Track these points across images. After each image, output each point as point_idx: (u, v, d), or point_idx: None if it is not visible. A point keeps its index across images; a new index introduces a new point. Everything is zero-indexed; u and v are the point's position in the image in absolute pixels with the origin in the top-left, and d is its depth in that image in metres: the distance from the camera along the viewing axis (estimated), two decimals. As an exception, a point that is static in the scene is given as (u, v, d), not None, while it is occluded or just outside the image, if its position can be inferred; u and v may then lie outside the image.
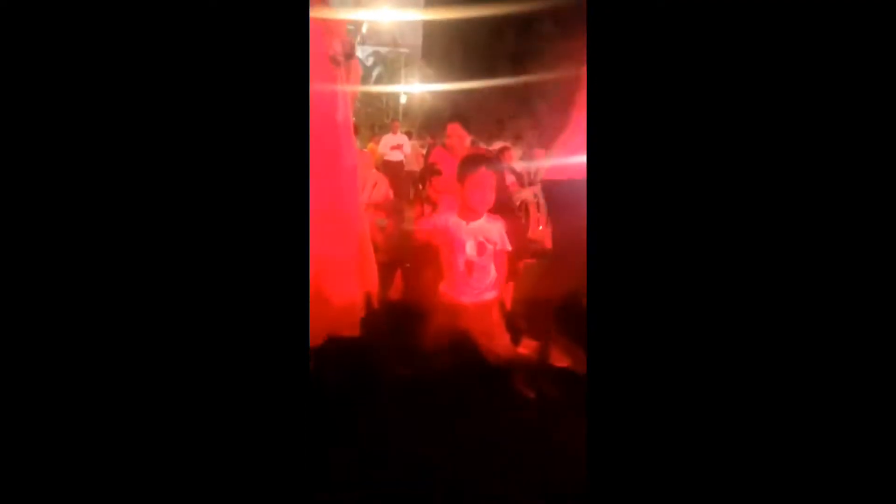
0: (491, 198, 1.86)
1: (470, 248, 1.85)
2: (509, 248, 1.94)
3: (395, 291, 2.61)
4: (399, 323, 2.21)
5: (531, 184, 4.69)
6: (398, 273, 2.68)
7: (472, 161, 1.95)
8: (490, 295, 1.91)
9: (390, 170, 7.40)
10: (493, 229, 1.90)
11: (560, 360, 2.05)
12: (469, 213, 1.87)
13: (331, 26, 1.77)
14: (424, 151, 7.59)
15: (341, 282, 1.77)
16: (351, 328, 1.87)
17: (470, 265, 1.85)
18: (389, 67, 16.52)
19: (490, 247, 1.87)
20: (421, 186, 2.77)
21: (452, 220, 1.88)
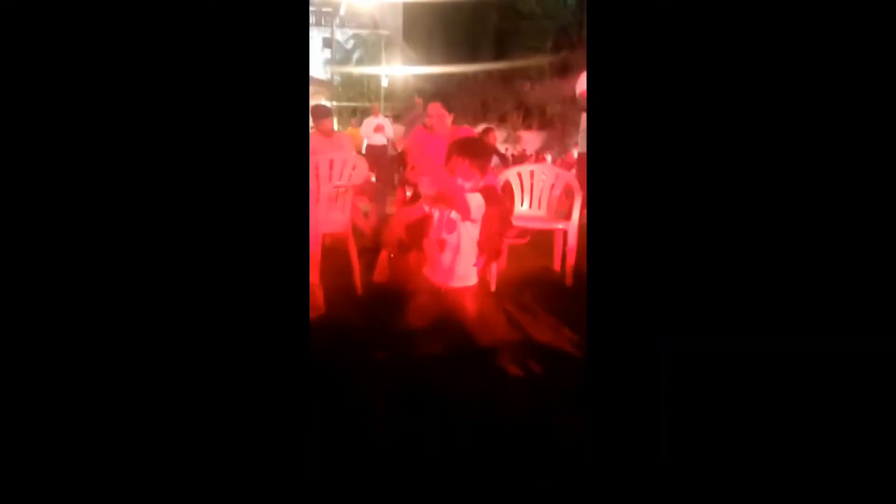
0: (475, 179, 1.82)
1: (436, 222, 1.81)
2: (474, 219, 1.86)
3: (380, 276, 2.58)
4: (384, 307, 2.18)
5: (514, 164, 4.68)
6: (382, 257, 2.65)
7: (458, 143, 1.91)
8: (475, 279, 1.88)
9: (374, 154, 7.33)
10: (468, 202, 1.85)
11: (546, 336, 2.05)
12: (453, 194, 1.83)
13: None
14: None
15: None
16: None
17: (441, 243, 1.82)
18: (370, 50, 16.32)
19: (458, 223, 1.82)
20: (401, 169, 2.72)
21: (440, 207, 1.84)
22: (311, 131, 4.39)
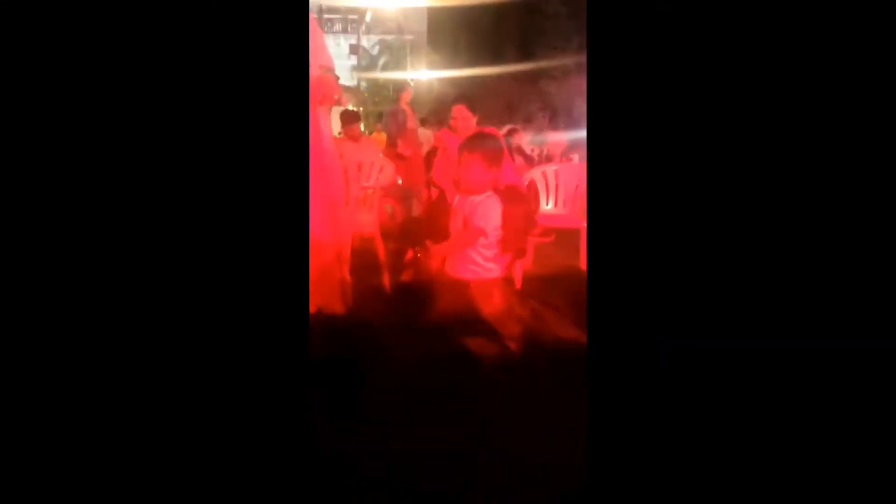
0: (487, 176, 1.86)
1: (459, 220, 1.87)
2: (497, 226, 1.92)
3: (405, 274, 2.64)
4: (412, 304, 2.23)
5: (540, 164, 4.68)
6: (406, 256, 2.70)
7: (470, 140, 1.96)
8: (494, 271, 1.92)
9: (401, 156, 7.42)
10: (492, 207, 1.91)
11: (571, 333, 2.07)
12: (468, 191, 1.88)
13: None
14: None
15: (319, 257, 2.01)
16: (334, 304, 2.16)
17: (464, 239, 1.87)
18: (395, 55, 16.47)
19: (481, 220, 1.87)
20: (427, 170, 2.78)
21: (457, 198, 1.91)
22: (339, 136, 4.49)
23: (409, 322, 2.10)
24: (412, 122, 5.15)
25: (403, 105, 5.27)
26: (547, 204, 3.31)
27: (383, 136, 8.44)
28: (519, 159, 4.89)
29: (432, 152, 2.74)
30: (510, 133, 5.76)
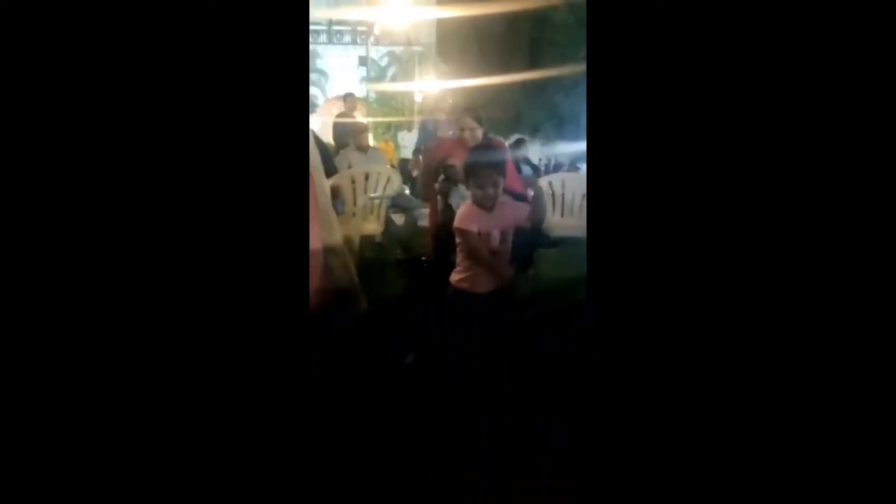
0: (494, 186, 1.87)
1: (494, 238, 1.85)
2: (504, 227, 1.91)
3: (412, 283, 2.65)
4: (411, 312, 2.24)
5: (547, 173, 4.69)
6: (415, 267, 2.72)
7: (477, 151, 1.97)
8: (500, 280, 1.92)
9: (407, 167, 7.46)
10: (515, 214, 1.91)
11: (572, 339, 2.07)
12: (475, 201, 1.88)
13: None
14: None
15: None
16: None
17: (495, 254, 1.85)
18: (404, 66, 16.58)
19: (489, 230, 1.87)
20: (435, 181, 2.79)
21: (473, 210, 1.89)
22: (348, 146, 4.53)
23: (414, 330, 2.11)
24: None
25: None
26: (553, 213, 3.32)
27: (391, 146, 8.50)
28: (526, 169, 4.90)
29: (440, 164, 2.76)
30: (517, 143, 5.76)
